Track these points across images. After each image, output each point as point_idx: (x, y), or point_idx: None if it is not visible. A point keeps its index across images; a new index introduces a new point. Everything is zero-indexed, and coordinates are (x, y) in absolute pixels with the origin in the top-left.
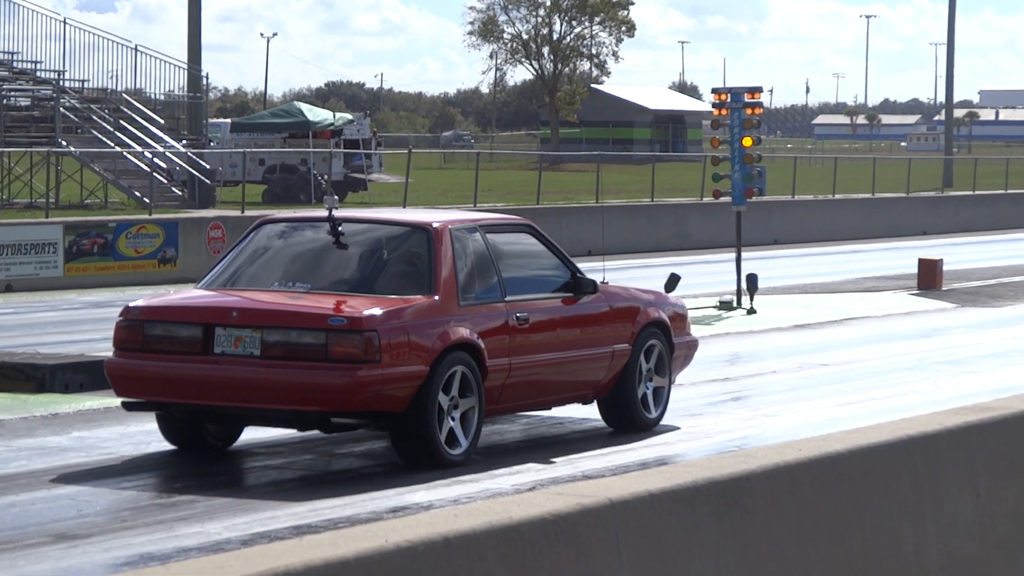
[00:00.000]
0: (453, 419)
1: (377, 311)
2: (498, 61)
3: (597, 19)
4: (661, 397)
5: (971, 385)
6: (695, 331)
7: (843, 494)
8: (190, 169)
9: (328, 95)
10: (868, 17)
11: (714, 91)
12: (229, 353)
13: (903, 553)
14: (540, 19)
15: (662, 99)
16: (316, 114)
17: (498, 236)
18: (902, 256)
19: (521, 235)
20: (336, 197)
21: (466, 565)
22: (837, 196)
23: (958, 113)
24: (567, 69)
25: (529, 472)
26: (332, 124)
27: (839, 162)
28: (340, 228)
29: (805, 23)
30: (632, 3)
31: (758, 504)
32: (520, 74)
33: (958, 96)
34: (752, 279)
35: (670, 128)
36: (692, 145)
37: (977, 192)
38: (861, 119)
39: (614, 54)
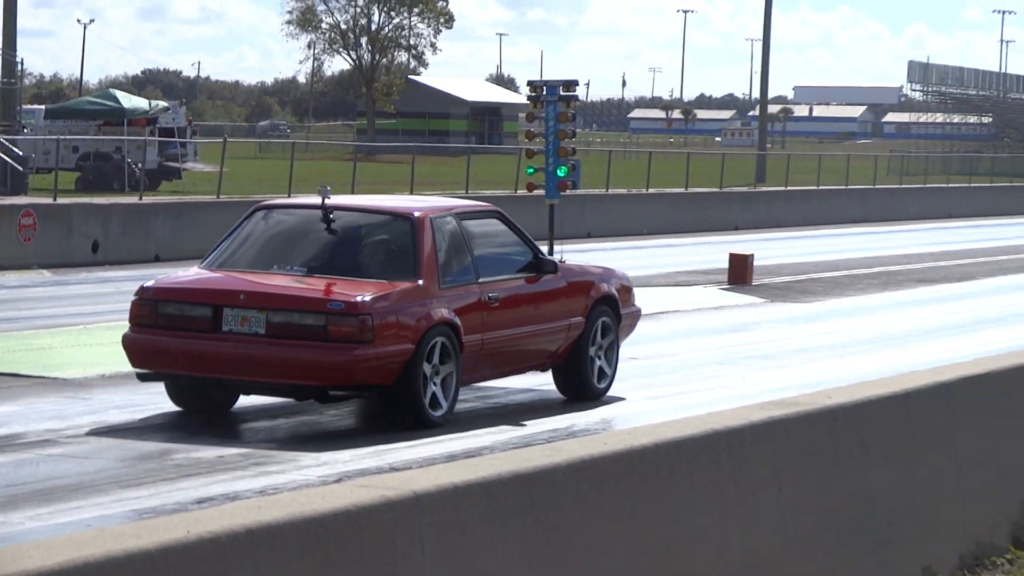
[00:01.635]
0: (435, 384)
1: (370, 296)
2: (316, 51)
3: (416, 10)
4: (611, 363)
5: (779, 380)
6: None
7: (648, 488)
8: (2, 155)
9: (145, 83)
10: (686, 12)
11: (529, 84)
12: (236, 331)
13: (706, 547)
14: (359, 9)
15: (479, 91)
16: (131, 102)
17: (470, 222)
18: (714, 251)
19: (490, 220)
20: (328, 187)
21: (269, 556)
22: (651, 190)
23: (773, 109)
24: (385, 60)
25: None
26: (147, 112)
27: (653, 156)
28: (332, 215)
29: (624, 17)
30: None
31: (563, 497)
32: (338, 64)
33: (773, 92)
34: None
35: (486, 120)
36: (508, 137)
37: (789, 188)
38: (676, 114)
39: (432, 45)
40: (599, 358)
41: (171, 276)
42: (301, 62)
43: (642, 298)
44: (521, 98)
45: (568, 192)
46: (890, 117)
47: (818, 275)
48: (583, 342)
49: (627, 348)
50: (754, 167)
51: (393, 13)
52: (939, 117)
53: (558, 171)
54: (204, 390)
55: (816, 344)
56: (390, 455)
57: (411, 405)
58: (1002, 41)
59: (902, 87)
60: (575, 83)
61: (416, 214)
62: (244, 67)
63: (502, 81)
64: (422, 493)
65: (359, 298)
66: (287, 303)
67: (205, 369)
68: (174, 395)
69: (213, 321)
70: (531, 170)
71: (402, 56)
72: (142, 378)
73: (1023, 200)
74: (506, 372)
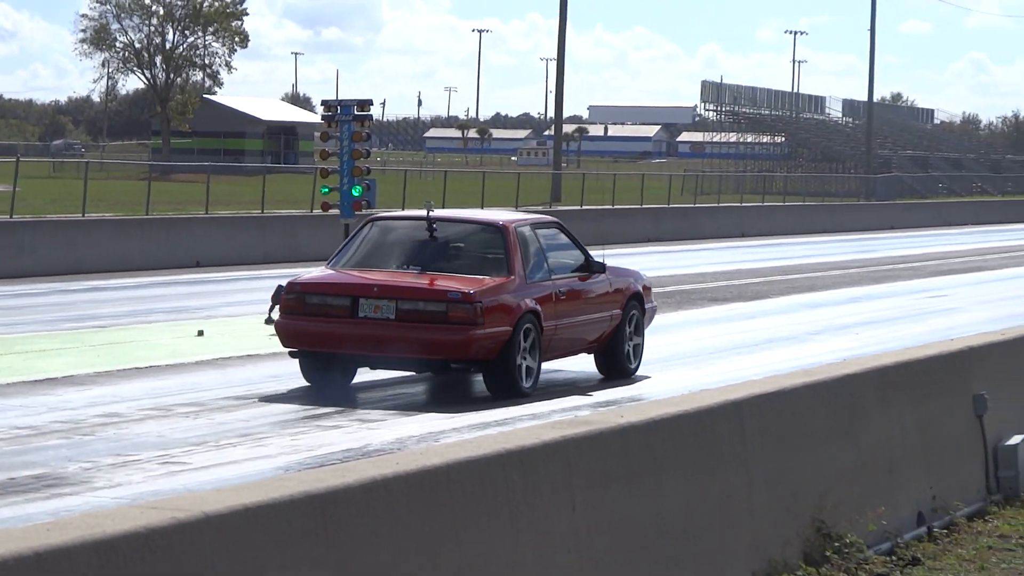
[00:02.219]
0: (524, 360)
1: (480, 288)
2: (110, 70)
3: (211, 29)
4: (639, 352)
5: (571, 401)
6: None
7: (441, 508)
8: None
9: None
10: (481, 31)
11: (324, 103)
12: (371, 317)
13: (499, 568)
14: (153, 28)
15: (275, 110)
16: None
17: (540, 230)
18: None
19: (552, 229)
20: (432, 202)
21: None
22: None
23: (568, 128)
24: (179, 79)
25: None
26: None
27: (450, 175)
28: (435, 225)
29: (419, 36)
30: (246, 14)
31: (356, 518)
32: (132, 83)
33: (568, 111)
34: None
35: (282, 139)
36: (304, 157)
37: (585, 207)
38: (473, 133)
39: (227, 64)
40: (630, 344)
41: (306, 275)
42: (95, 81)
43: None
44: (316, 117)
45: (363, 211)
46: (684, 136)
47: None
48: (620, 331)
49: None
50: (549, 186)
51: (188, 32)
52: (733, 137)
53: (353, 190)
54: (331, 367)
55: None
56: (183, 476)
57: (508, 377)
58: (794, 61)
59: (696, 107)
60: (369, 102)
61: (504, 223)
62: (37, 86)
63: (298, 100)
64: (213, 515)
65: (472, 289)
66: (414, 294)
67: (345, 347)
68: (307, 371)
69: (351, 309)
70: (326, 190)
71: (197, 75)
72: (292, 355)
73: (815, 219)
74: (567, 353)
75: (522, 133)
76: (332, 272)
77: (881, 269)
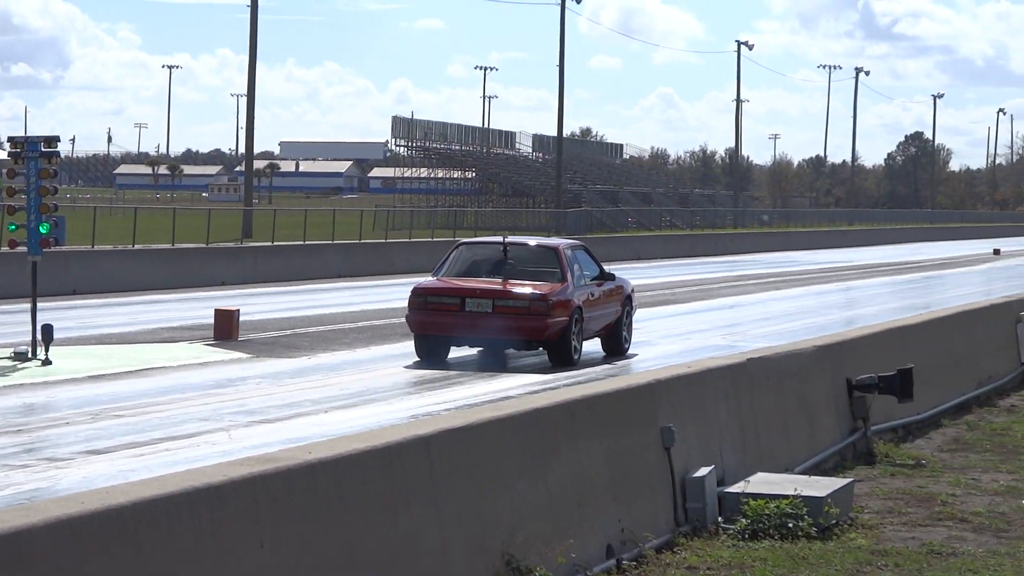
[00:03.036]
0: (575, 340)
1: (548, 290)
2: None
3: None
4: (629, 338)
5: (264, 436)
6: None
7: (127, 546)
8: None
9: None
10: (171, 67)
11: (10, 140)
12: (474, 311)
13: None
14: None
15: None
16: None
17: (576, 251)
18: (200, 306)
19: (581, 250)
20: (507, 233)
21: None
22: (138, 246)
23: (259, 164)
24: None
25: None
26: None
27: (140, 212)
28: (507, 247)
29: (109, 72)
30: None
31: (40, 561)
32: None
33: (260, 147)
34: (47, 329)
35: None
36: None
37: (276, 243)
38: (163, 169)
39: None
40: (626, 332)
41: (424, 281)
42: None
43: (128, 355)
44: (2, 154)
45: (52, 249)
46: (376, 172)
47: (304, 330)
48: (620, 322)
49: (113, 405)
50: (240, 222)
51: None
52: (424, 172)
53: (40, 227)
54: (439, 347)
55: (302, 399)
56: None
57: (566, 353)
58: (485, 97)
59: (388, 142)
60: (56, 139)
61: (556, 246)
62: None
63: None
64: None
65: (544, 292)
66: (505, 295)
67: (456, 332)
68: (420, 350)
69: (460, 305)
70: (13, 227)
71: None
72: (418, 338)
73: None
74: (589, 337)
75: (213, 169)
76: (442, 280)
77: None
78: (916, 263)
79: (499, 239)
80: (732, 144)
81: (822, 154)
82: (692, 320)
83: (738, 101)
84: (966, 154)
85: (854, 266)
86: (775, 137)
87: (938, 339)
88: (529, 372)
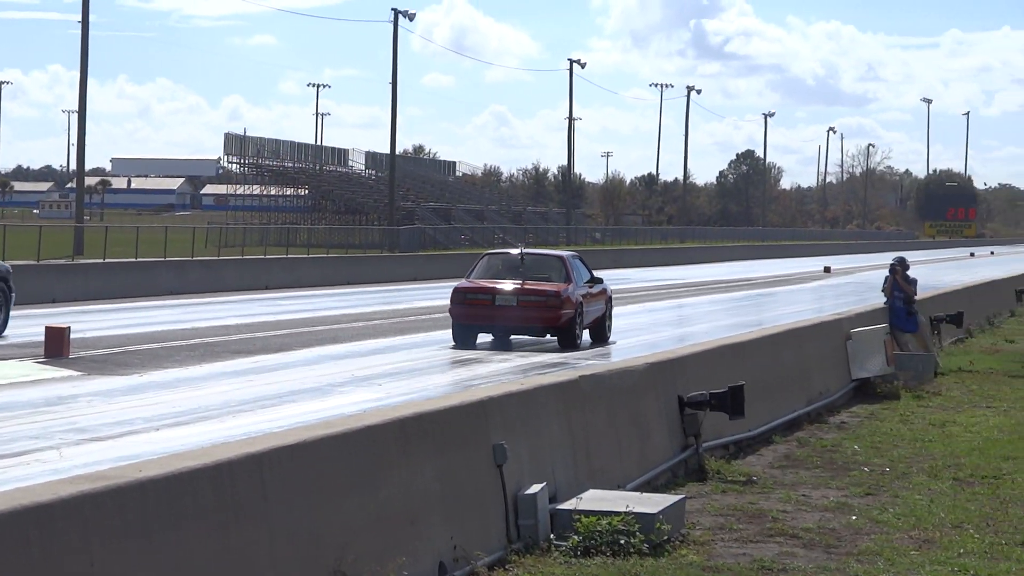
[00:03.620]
0: (579, 328)
1: (560, 289)
2: None
3: None
4: (610, 329)
5: (95, 454)
6: None
7: None
8: None
9: None
10: (2, 83)
11: None
12: (502, 305)
13: None
14: None
15: None
16: None
17: (575, 259)
18: (31, 324)
19: (578, 260)
20: (522, 243)
21: None
22: None
23: (91, 181)
24: None
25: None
26: None
27: None
28: (524, 256)
29: None
30: None
31: None
32: None
33: (91, 164)
34: None
35: None
36: None
37: (108, 260)
38: None
39: None
40: (608, 325)
41: (462, 283)
42: None
43: None
44: None
45: None
46: (209, 189)
47: (136, 347)
48: (604, 316)
49: None
50: (72, 239)
51: None
52: (257, 189)
53: None
54: (473, 334)
55: (133, 417)
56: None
57: (572, 339)
58: (317, 114)
59: (220, 159)
60: None
61: (563, 255)
62: None
63: None
64: None
65: (557, 290)
66: (527, 292)
67: (488, 322)
68: (457, 337)
69: (491, 300)
70: None
71: None
72: (456, 326)
73: (339, 271)
74: (585, 328)
75: (44, 185)
76: (474, 281)
77: (405, 320)
78: (748, 280)
79: (517, 250)
80: (565, 162)
81: (654, 172)
82: (525, 338)
83: (571, 119)
84: (797, 172)
85: (687, 283)
86: (608, 155)
87: (769, 356)
88: (366, 390)
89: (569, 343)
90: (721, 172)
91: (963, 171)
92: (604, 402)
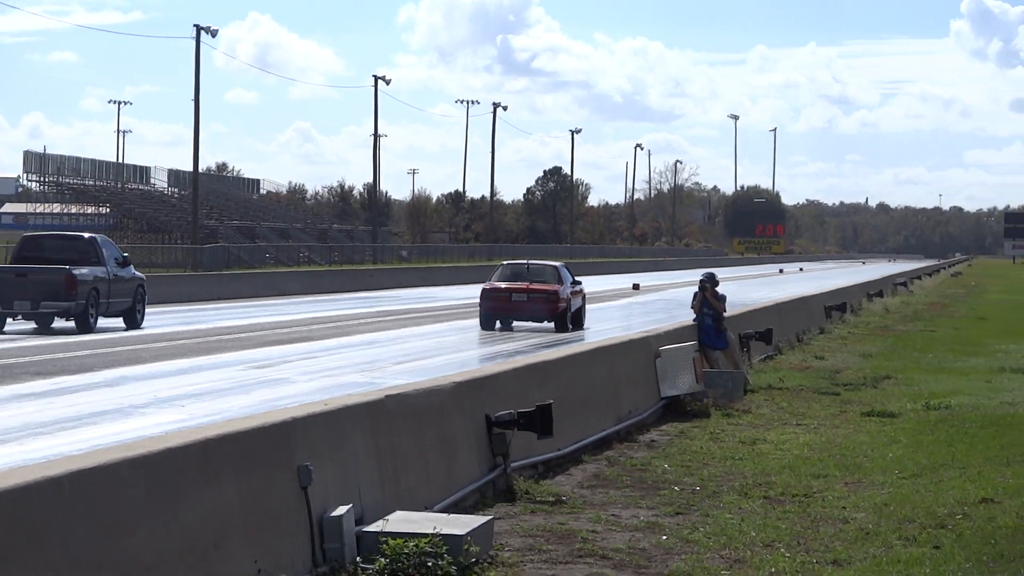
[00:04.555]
0: (570, 316)
1: (556, 288)
2: None
3: None
4: (584, 318)
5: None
6: None
7: None
8: None
9: None
10: None
11: None
12: (517, 300)
13: None
14: None
15: None
16: None
17: (564, 268)
18: None
19: (565, 268)
20: (528, 259)
21: None
22: None
23: None
24: None
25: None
26: None
27: None
28: (529, 265)
29: None
30: None
31: None
32: None
33: None
34: None
35: None
36: None
37: None
38: None
39: None
40: (584, 316)
41: (489, 283)
42: None
43: None
44: None
45: None
46: (8, 208)
47: None
48: (580, 309)
49: None
50: None
51: None
52: (58, 207)
53: None
54: (495, 321)
55: None
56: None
57: (565, 324)
58: (119, 131)
59: (19, 177)
60: None
61: (556, 264)
62: None
63: None
64: None
65: (555, 289)
66: (534, 291)
67: (507, 312)
68: (484, 324)
69: (508, 297)
70: None
71: None
72: (485, 314)
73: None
74: (571, 319)
75: None
76: (494, 283)
77: (208, 340)
78: None
79: (525, 261)
80: (371, 179)
81: (461, 189)
82: (330, 358)
83: (376, 136)
84: (605, 189)
85: None
86: (414, 172)
87: (579, 374)
88: (168, 411)
89: (563, 327)
90: (528, 189)
91: (771, 187)
92: (411, 421)
